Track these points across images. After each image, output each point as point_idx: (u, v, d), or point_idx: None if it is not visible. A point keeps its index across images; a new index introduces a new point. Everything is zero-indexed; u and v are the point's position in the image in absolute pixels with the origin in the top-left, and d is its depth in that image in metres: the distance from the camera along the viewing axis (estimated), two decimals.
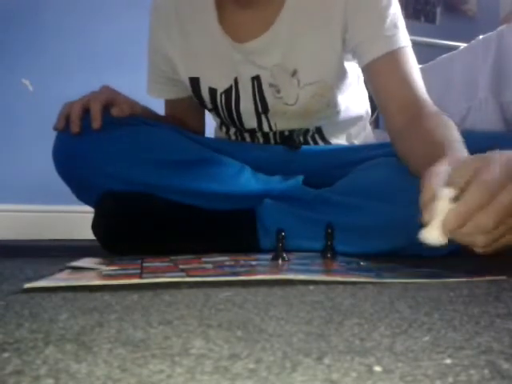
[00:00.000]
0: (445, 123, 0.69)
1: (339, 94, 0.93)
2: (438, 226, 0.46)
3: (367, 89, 0.99)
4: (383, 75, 0.82)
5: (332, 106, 0.94)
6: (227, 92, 0.92)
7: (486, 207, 0.44)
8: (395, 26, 0.81)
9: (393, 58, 0.81)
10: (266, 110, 0.92)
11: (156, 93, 1.03)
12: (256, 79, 0.90)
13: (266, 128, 0.95)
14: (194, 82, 0.94)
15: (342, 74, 0.91)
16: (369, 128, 1.08)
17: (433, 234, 0.46)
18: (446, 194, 0.46)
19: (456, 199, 0.46)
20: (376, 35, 0.81)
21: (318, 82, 0.88)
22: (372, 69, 0.83)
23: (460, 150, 0.59)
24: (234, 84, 0.91)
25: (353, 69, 0.94)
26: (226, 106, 0.93)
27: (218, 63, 0.91)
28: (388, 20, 0.81)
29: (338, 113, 0.96)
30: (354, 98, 0.99)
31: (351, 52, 0.86)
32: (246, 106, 0.92)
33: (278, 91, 0.90)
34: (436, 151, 0.60)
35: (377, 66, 0.82)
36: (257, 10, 0.87)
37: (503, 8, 2.53)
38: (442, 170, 0.49)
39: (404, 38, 0.82)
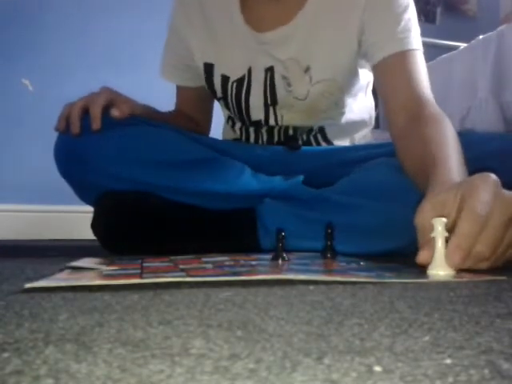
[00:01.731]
0: (443, 132, 0.70)
1: (347, 96, 0.95)
2: (442, 260, 0.47)
3: (375, 91, 1.00)
4: (390, 73, 0.84)
5: (340, 106, 0.95)
6: (239, 81, 0.94)
7: (480, 236, 0.46)
8: (409, 29, 0.83)
9: (402, 58, 0.83)
10: (274, 102, 0.94)
11: (168, 75, 1.05)
12: (270, 70, 0.92)
13: (272, 121, 0.96)
14: (208, 68, 0.96)
15: (353, 76, 0.94)
16: (369, 134, 1.09)
17: (440, 271, 0.47)
18: (441, 223, 0.47)
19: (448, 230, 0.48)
20: (389, 37, 0.84)
21: (329, 80, 0.90)
22: (381, 67, 0.85)
23: (451, 169, 0.60)
24: (247, 74, 0.93)
25: (364, 75, 0.96)
26: (236, 95, 0.95)
27: (235, 51, 0.93)
28: (402, 23, 0.83)
29: (342, 114, 0.97)
30: (361, 103, 1.00)
31: (364, 53, 0.88)
32: (256, 97, 0.94)
33: (289, 84, 0.92)
34: (427, 165, 0.62)
35: (386, 64, 0.84)
36: (280, 3, 0.90)
37: (503, 8, 2.53)
38: (429, 208, 0.51)
39: (416, 42, 0.84)
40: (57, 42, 1.80)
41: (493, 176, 0.49)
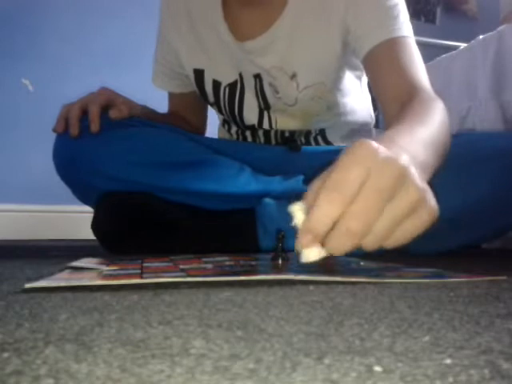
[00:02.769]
0: (427, 109, 0.63)
1: (340, 97, 0.93)
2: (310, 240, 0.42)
3: (368, 86, 0.98)
4: (380, 63, 0.80)
5: (332, 108, 0.94)
6: (232, 86, 0.93)
7: (348, 209, 0.38)
8: (395, 17, 0.80)
9: (390, 46, 0.79)
10: (267, 106, 0.93)
11: (159, 83, 1.05)
12: (258, 77, 0.91)
13: (266, 125, 0.95)
14: (198, 74, 0.95)
15: (341, 77, 0.92)
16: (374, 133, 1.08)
17: (310, 252, 0.41)
18: (298, 210, 0.43)
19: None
20: (374, 26, 0.80)
21: (317, 85, 0.89)
22: (369, 59, 0.81)
23: (395, 135, 0.51)
24: (239, 78, 0.92)
25: (356, 73, 0.94)
26: (229, 99, 0.94)
27: (224, 58, 0.92)
28: (387, 11, 0.80)
29: (339, 115, 0.96)
30: (357, 102, 0.99)
31: (353, 50, 0.86)
32: (250, 101, 0.93)
33: (277, 91, 0.90)
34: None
35: (373, 55, 0.80)
36: (258, 10, 0.88)
37: (503, 8, 2.53)
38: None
39: (405, 29, 0.80)
40: (57, 42, 1.80)
41: (371, 144, 0.40)
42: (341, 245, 0.39)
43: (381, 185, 0.38)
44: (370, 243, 0.41)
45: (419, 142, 0.50)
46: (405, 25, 0.81)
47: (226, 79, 0.93)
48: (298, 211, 0.44)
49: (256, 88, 0.91)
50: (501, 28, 1.47)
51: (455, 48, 1.86)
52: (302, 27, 0.85)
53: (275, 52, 0.87)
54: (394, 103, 0.74)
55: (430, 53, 2.08)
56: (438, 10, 2.66)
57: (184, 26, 0.95)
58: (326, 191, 0.39)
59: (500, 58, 1.42)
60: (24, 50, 1.77)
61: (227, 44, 0.90)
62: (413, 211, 0.39)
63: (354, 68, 0.93)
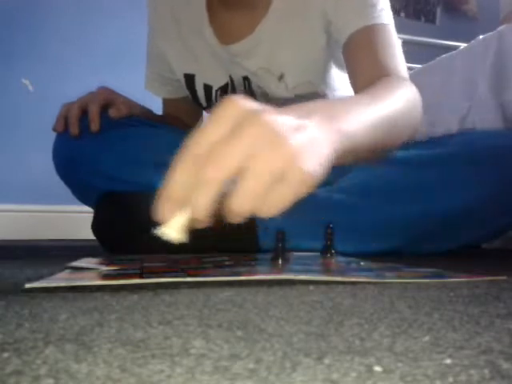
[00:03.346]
0: (387, 86, 0.62)
1: (330, 94, 0.93)
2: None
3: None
4: (356, 51, 0.78)
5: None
6: (223, 89, 0.93)
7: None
8: (373, 5, 0.78)
9: (367, 34, 0.77)
10: None
11: (152, 89, 1.04)
12: (246, 79, 0.90)
13: None
14: (189, 79, 0.94)
15: (330, 74, 0.90)
16: None
17: (171, 224, 0.38)
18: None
19: None
20: (353, 14, 0.78)
21: (306, 83, 0.88)
22: (347, 47, 0.80)
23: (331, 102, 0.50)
24: (229, 81, 0.92)
25: (344, 68, 0.93)
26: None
27: (212, 62, 0.91)
28: (367, 1, 0.78)
29: None
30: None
31: (335, 41, 0.84)
32: None
33: (266, 93, 0.90)
34: None
35: (351, 42, 0.78)
36: (242, 13, 0.87)
37: (503, 8, 2.53)
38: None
39: (384, 16, 0.78)
40: (57, 42, 1.80)
41: (237, 100, 0.36)
42: (201, 200, 0.34)
43: (239, 145, 0.33)
44: (235, 205, 0.35)
45: (354, 111, 0.46)
46: (384, 12, 0.79)
47: (217, 83, 0.93)
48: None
49: (246, 90, 0.91)
50: (501, 28, 1.47)
51: (455, 48, 1.86)
52: (286, 27, 0.85)
53: (261, 54, 0.87)
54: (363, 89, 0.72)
55: (430, 53, 2.08)
56: (438, 10, 2.66)
57: (171, 31, 0.94)
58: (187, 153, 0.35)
59: (500, 58, 1.42)
60: (24, 49, 1.77)
61: (214, 48, 0.90)
62: (280, 176, 0.34)
63: (341, 62, 0.92)
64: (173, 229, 0.37)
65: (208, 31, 0.89)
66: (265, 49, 0.86)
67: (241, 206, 0.35)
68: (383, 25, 0.78)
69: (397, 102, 0.56)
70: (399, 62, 0.75)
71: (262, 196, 0.34)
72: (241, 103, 0.36)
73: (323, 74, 0.89)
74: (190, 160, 0.35)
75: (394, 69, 0.72)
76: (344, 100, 0.50)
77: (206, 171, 0.34)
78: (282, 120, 0.35)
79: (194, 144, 0.35)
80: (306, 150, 0.35)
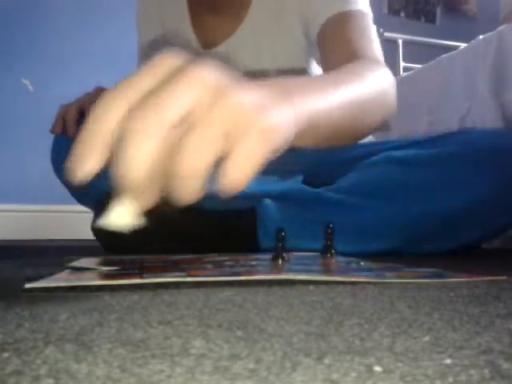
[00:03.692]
0: (357, 68, 0.59)
1: None
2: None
3: None
4: (329, 39, 0.77)
5: None
6: None
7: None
8: None
9: (339, 21, 0.76)
10: None
11: None
12: None
13: None
14: None
15: (312, 73, 0.91)
16: None
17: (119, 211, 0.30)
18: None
19: None
20: (326, 4, 0.78)
21: None
22: (320, 37, 0.78)
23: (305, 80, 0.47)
24: None
25: None
26: None
27: None
28: None
29: None
30: None
31: (313, 35, 0.83)
32: None
33: None
34: None
35: (324, 31, 0.77)
36: (222, 15, 0.88)
37: (503, 8, 2.53)
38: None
39: (357, 3, 0.76)
40: (57, 42, 1.80)
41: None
42: (137, 152, 0.27)
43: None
44: (185, 170, 0.28)
45: (314, 89, 0.43)
46: (359, 0, 0.77)
47: None
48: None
49: None
50: (501, 28, 1.47)
51: (455, 48, 1.86)
52: (265, 28, 0.86)
53: (243, 55, 0.87)
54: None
55: (430, 53, 2.08)
56: (438, 10, 2.66)
57: (158, 31, 0.95)
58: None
59: (500, 58, 1.42)
60: (24, 49, 1.77)
61: (198, 53, 0.90)
62: (235, 129, 0.29)
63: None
64: (119, 214, 0.30)
65: (191, 36, 0.90)
66: (245, 51, 0.87)
67: (193, 170, 0.28)
68: (358, 11, 0.76)
69: (368, 85, 0.53)
70: (374, 46, 0.71)
71: (214, 155, 0.28)
72: (180, 55, 0.31)
73: (305, 74, 0.89)
74: (115, 105, 0.28)
75: (369, 51, 0.69)
76: (303, 79, 0.47)
77: (143, 116, 0.27)
78: (230, 79, 0.30)
79: (122, 87, 0.30)
80: (262, 107, 0.30)
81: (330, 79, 0.49)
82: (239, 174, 0.30)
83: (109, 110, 0.28)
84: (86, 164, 0.28)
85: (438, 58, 1.72)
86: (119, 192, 0.29)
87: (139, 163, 0.27)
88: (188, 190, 0.29)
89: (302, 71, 0.89)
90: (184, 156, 0.27)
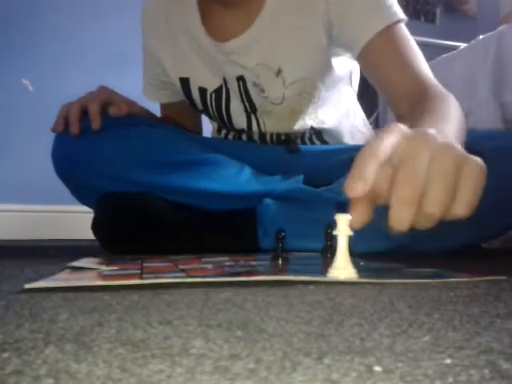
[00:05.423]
0: (446, 104, 0.64)
1: (325, 92, 0.92)
2: (344, 262, 0.44)
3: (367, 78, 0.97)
4: (379, 58, 0.78)
5: (317, 104, 0.93)
6: (217, 91, 0.93)
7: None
8: (383, 3, 0.77)
9: (387, 36, 0.76)
10: (254, 109, 0.92)
11: (150, 95, 1.04)
12: (241, 79, 0.90)
13: (255, 128, 0.95)
14: (184, 83, 0.95)
15: (328, 71, 0.90)
16: (363, 129, 1.07)
17: (341, 274, 0.43)
18: (345, 220, 0.43)
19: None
20: (364, 18, 0.77)
21: (304, 80, 0.88)
22: (366, 54, 0.79)
23: (438, 123, 0.53)
24: (223, 83, 0.92)
25: (344, 66, 0.93)
26: (216, 105, 0.94)
27: (206, 63, 0.91)
28: (378, 1, 0.78)
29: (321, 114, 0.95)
30: (345, 95, 0.98)
31: (343, 47, 0.85)
32: (236, 105, 0.93)
33: (263, 90, 0.89)
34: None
35: (371, 49, 0.78)
36: (237, 10, 0.87)
37: (503, 8, 2.53)
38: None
39: (397, 12, 0.77)
40: (57, 42, 1.80)
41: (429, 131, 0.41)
42: (401, 214, 0.41)
43: (445, 167, 0.38)
44: (429, 211, 0.40)
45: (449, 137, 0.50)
46: (395, 7, 0.78)
47: (211, 85, 0.93)
48: (342, 221, 0.43)
49: (240, 91, 0.91)
50: (501, 28, 1.47)
51: (455, 48, 1.86)
52: (284, 22, 0.85)
53: (258, 48, 0.87)
54: (405, 100, 0.74)
55: (430, 53, 2.08)
56: (438, 10, 2.65)
57: (165, 35, 0.95)
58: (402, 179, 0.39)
59: (500, 58, 1.42)
60: (24, 50, 1.77)
61: (207, 49, 0.90)
62: (457, 172, 0.39)
63: (338, 60, 0.91)
64: (341, 274, 0.43)
65: (201, 32, 0.89)
66: (262, 44, 0.86)
67: (433, 211, 0.40)
68: (400, 23, 0.78)
69: (460, 126, 0.60)
70: (424, 64, 0.76)
71: (449, 196, 0.38)
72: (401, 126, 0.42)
73: (321, 71, 0.89)
74: (375, 159, 0.39)
75: (425, 75, 0.74)
76: (435, 123, 0.54)
77: (403, 190, 0.39)
78: (437, 135, 0.41)
79: (375, 146, 0.40)
80: (465, 153, 0.40)
81: (445, 120, 0.56)
82: (460, 210, 0.42)
83: (372, 161, 0.40)
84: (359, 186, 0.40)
85: (437, 58, 1.72)
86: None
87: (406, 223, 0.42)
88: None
89: (317, 68, 0.87)
90: (429, 206, 0.39)
